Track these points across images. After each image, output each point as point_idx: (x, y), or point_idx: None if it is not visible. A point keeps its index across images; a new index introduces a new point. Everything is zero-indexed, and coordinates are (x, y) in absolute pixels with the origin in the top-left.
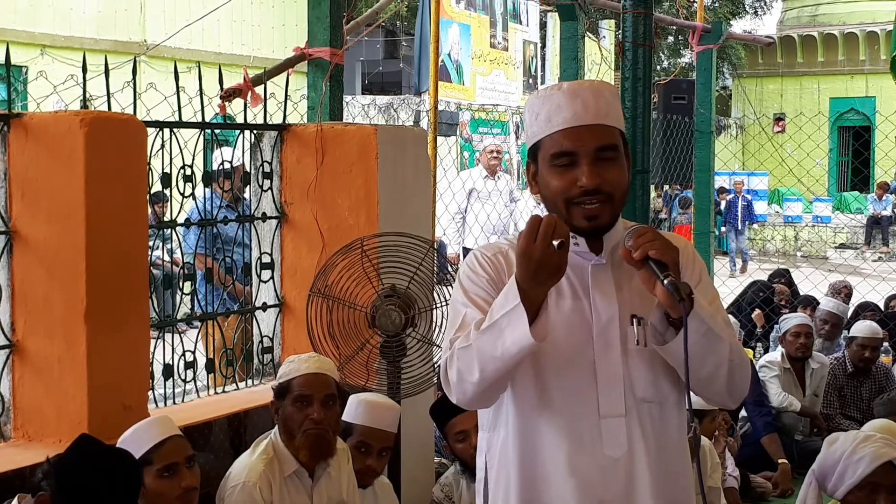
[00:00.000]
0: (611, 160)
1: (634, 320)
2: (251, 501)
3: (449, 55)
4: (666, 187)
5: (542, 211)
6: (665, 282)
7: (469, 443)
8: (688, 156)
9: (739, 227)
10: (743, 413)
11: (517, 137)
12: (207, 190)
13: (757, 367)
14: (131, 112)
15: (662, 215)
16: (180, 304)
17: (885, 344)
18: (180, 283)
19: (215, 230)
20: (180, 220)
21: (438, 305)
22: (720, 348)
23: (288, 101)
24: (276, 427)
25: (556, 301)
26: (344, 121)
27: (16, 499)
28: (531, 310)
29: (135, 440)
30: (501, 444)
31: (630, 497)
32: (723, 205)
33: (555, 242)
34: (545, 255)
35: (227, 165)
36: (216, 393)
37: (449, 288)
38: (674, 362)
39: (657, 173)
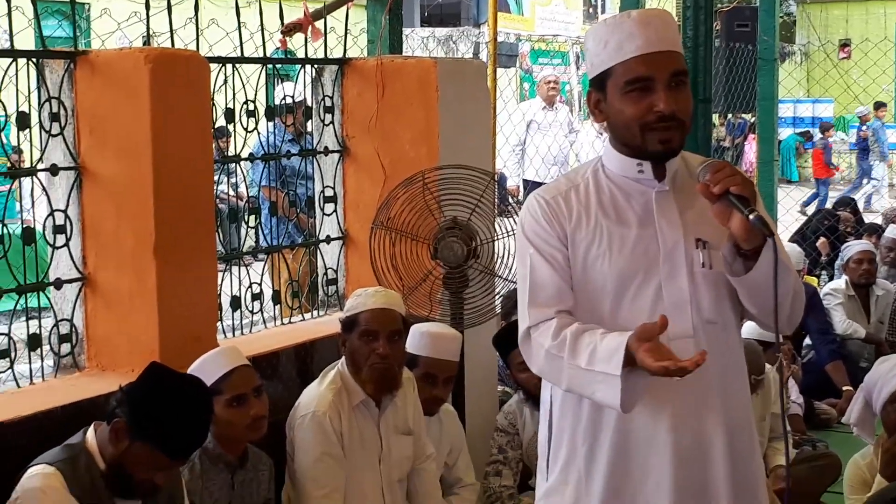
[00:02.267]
0: (682, 85)
1: (699, 244)
2: (321, 430)
3: None
4: (729, 116)
5: (602, 143)
6: (751, 217)
7: (532, 373)
8: (751, 84)
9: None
10: (807, 341)
11: (577, 68)
12: (271, 124)
13: (821, 295)
14: (194, 48)
15: (726, 144)
16: (246, 237)
17: None
18: (246, 217)
19: (280, 164)
20: (244, 154)
21: (500, 237)
22: (788, 278)
23: (348, 35)
24: (344, 358)
25: (619, 230)
26: (403, 54)
27: (91, 427)
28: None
29: (204, 370)
30: None
31: (700, 419)
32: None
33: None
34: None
35: (289, 100)
36: (283, 324)
37: (509, 220)
38: (746, 292)
39: (720, 102)
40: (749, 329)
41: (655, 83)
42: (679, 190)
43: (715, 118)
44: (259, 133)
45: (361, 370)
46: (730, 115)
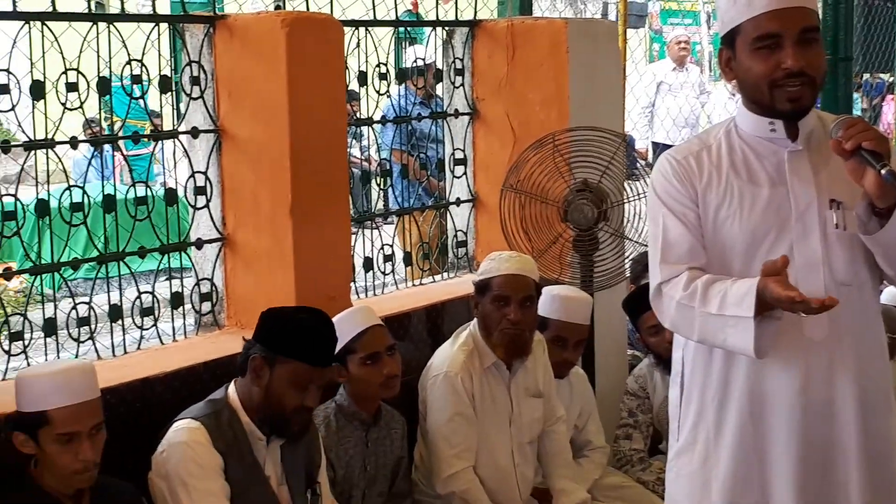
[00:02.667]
0: (813, 41)
1: (833, 204)
2: (453, 390)
3: None
4: (866, 76)
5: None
6: (883, 172)
7: (663, 336)
8: (890, 42)
9: None
10: None
11: (709, 27)
12: (401, 87)
13: None
14: (328, 12)
15: (863, 105)
16: (378, 200)
17: None
18: (377, 180)
19: (410, 127)
20: (376, 117)
21: (630, 199)
22: None
23: None
24: (476, 320)
25: (751, 189)
26: (534, 15)
27: (232, 382)
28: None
29: (339, 329)
30: None
31: (831, 379)
32: None
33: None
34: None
35: (419, 63)
36: (414, 285)
37: (638, 183)
38: (881, 251)
39: (857, 61)
40: (890, 295)
41: (784, 39)
42: (814, 149)
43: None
44: (390, 96)
45: (492, 334)
46: (867, 75)
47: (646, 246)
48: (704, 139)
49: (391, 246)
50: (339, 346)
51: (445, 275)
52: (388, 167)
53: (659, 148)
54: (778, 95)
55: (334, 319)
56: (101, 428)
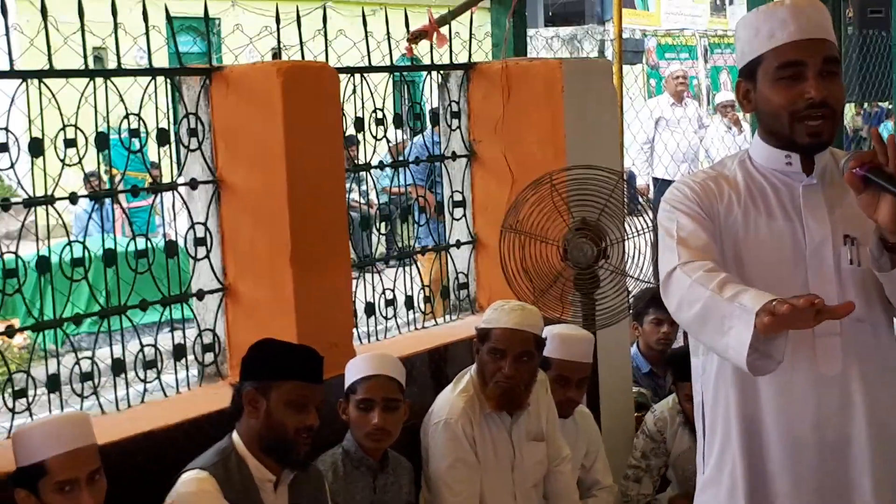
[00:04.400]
0: (834, 74)
1: (848, 240)
2: (454, 437)
3: None
4: (865, 105)
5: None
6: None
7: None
8: (886, 71)
9: None
10: None
11: (706, 61)
12: (430, 129)
13: None
14: (323, 59)
15: (863, 133)
16: (378, 243)
17: None
18: (377, 224)
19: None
20: (373, 162)
21: (630, 237)
22: None
23: (472, 40)
24: (476, 365)
25: (766, 221)
26: (528, 56)
27: (234, 429)
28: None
29: (350, 367)
30: (717, 367)
31: (845, 416)
32: None
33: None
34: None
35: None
36: (416, 329)
37: (639, 218)
38: (891, 288)
39: (854, 91)
40: None
41: (807, 69)
42: (828, 185)
43: (851, 107)
44: (423, 133)
45: (487, 384)
46: (866, 104)
47: (648, 283)
48: (719, 169)
49: (392, 290)
50: (346, 384)
51: (447, 317)
52: (387, 211)
53: (659, 183)
54: (798, 129)
55: (353, 359)
56: (100, 475)
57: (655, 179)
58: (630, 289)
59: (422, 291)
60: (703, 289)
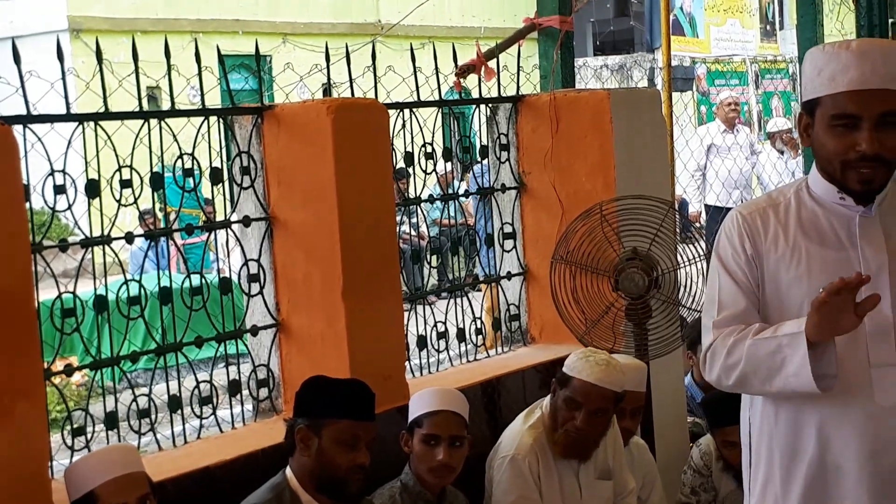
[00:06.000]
0: (893, 125)
1: None
2: (520, 473)
3: (681, 8)
4: None
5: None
6: None
7: (737, 452)
8: None
9: None
10: None
11: (756, 87)
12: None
13: None
14: (372, 96)
15: None
16: (429, 276)
17: None
18: (428, 257)
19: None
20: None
21: (682, 266)
22: None
23: (520, 72)
24: (549, 398)
25: (818, 251)
26: (577, 87)
27: (288, 465)
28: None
29: (416, 401)
30: (763, 399)
31: None
32: None
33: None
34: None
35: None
36: (468, 361)
37: (692, 246)
38: None
39: None
40: None
41: (862, 122)
42: (885, 213)
43: None
44: (480, 163)
45: (557, 429)
46: None
47: (699, 312)
48: (774, 197)
49: (444, 323)
50: (410, 417)
51: (500, 349)
52: (438, 244)
53: (711, 210)
54: (850, 176)
55: (420, 392)
56: (151, 501)
57: (707, 206)
58: (684, 317)
59: (473, 323)
60: (740, 345)
